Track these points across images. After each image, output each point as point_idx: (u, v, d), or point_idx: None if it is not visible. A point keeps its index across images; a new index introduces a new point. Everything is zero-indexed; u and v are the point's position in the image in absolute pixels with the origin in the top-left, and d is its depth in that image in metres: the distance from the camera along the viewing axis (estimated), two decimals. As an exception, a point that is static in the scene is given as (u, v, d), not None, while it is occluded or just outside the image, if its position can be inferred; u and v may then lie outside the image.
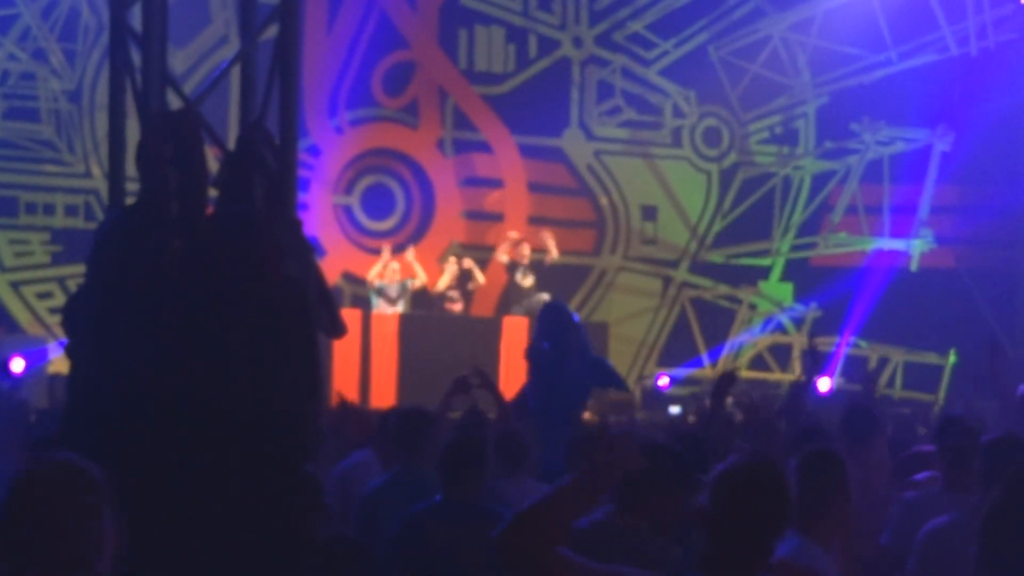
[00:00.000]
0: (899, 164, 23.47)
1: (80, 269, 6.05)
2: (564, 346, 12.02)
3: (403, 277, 21.50)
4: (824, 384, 17.78)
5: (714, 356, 23.44)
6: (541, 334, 12.41)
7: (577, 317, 13.52)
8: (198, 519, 5.49)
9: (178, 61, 21.15)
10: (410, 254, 21.88)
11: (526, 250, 21.96)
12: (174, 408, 5.48)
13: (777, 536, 4.42)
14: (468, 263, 21.96)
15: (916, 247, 22.80)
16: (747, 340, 23.63)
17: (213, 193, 6.04)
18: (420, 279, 21.68)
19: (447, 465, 7.02)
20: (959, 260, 23.01)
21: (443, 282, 21.68)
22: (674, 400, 20.59)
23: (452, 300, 21.39)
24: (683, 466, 5.81)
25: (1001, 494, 4.28)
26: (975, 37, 23.10)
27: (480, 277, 21.93)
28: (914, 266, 22.79)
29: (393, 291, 21.28)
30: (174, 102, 6.75)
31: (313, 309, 5.93)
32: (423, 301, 21.97)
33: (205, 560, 5.47)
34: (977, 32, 23.09)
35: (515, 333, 19.99)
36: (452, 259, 22.11)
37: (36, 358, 18.45)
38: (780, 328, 23.90)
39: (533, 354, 12.25)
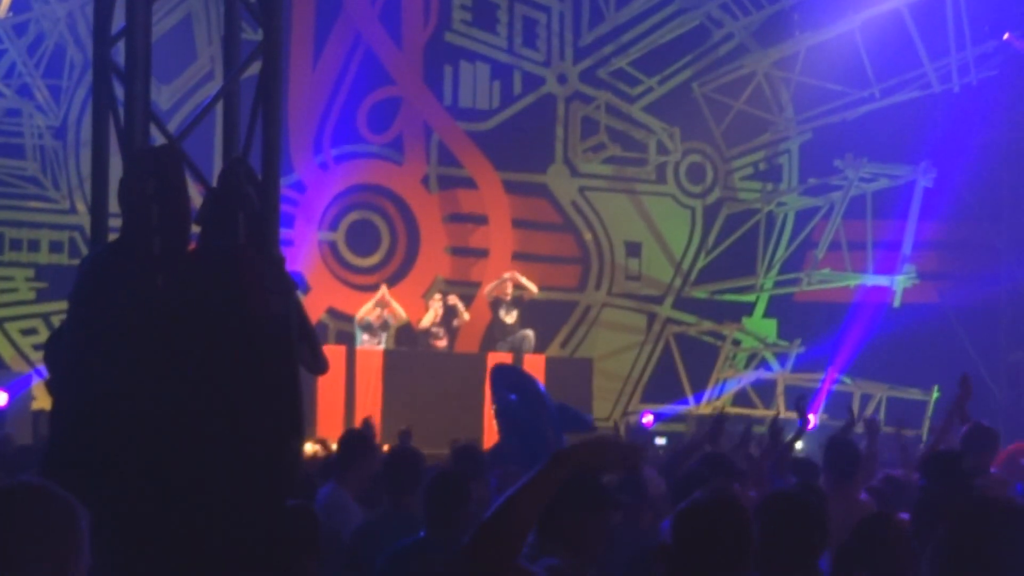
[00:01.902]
0: (882, 200, 23.54)
1: (65, 305, 6.04)
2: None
3: (388, 312, 21.56)
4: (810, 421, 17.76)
5: (699, 394, 23.43)
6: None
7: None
8: (182, 557, 5.47)
9: (163, 97, 21.19)
10: (383, 290, 21.86)
11: (509, 287, 22.01)
12: (156, 444, 5.47)
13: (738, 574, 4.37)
14: (453, 299, 21.97)
15: (899, 283, 22.83)
16: (734, 384, 23.63)
17: (196, 229, 6.03)
18: (400, 316, 21.71)
19: (431, 501, 7.02)
20: (942, 295, 23.05)
21: (428, 319, 21.69)
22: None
23: (437, 337, 21.41)
24: (600, 488, 5.78)
25: (951, 534, 4.21)
26: (957, 74, 23.20)
27: (465, 314, 21.93)
28: (897, 302, 22.81)
29: (377, 327, 21.30)
30: (158, 138, 6.76)
31: (295, 345, 5.92)
32: (408, 337, 21.98)
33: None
34: (959, 69, 23.19)
35: (500, 369, 20.01)
36: (437, 296, 22.12)
37: (20, 394, 18.40)
38: (766, 367, 23.92)
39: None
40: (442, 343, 21.42)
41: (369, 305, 21.59)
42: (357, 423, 18.47)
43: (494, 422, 12.85)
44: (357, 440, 8.61)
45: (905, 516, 6.84)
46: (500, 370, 13.31)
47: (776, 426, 10.80)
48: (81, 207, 21.48)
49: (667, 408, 22.30)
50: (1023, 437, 15.55)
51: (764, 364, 24.04)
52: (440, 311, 21.76)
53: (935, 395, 21.04)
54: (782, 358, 23.81)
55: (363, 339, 21.19)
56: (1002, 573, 4.06)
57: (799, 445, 12.60)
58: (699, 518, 4.38)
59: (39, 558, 3.44)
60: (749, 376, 23.65)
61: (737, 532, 4.37)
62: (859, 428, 12.83)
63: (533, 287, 22.15)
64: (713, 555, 4.32)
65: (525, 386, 12.24)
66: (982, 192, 22.80)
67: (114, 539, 5.24)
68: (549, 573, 4.88)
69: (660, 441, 19.95)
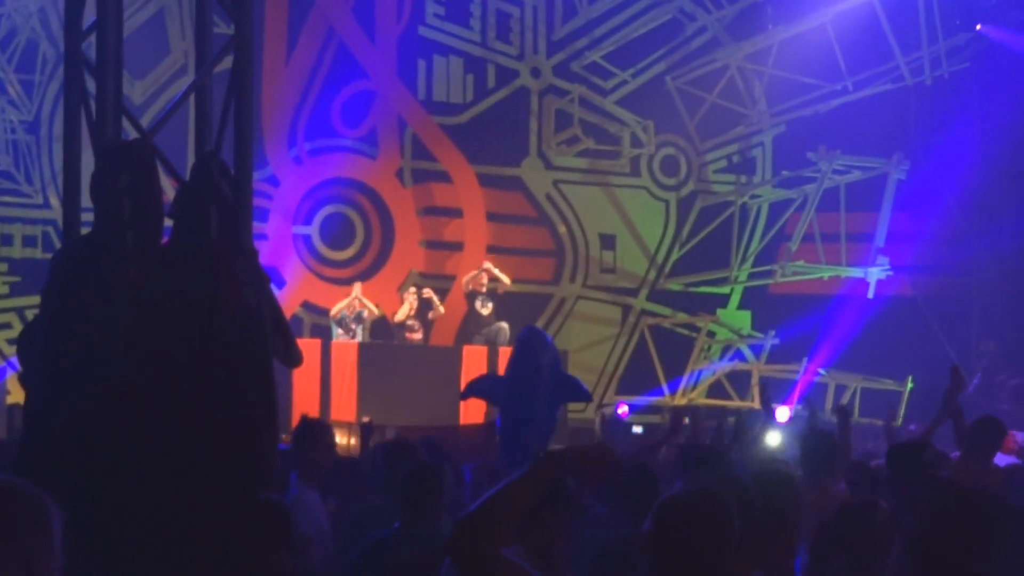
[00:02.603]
0: (855, 193, 23.56)
1: (38, 300, 6.03)
2: (534, 367, 12.08)
3: (361, 307, 21.56)
4: (783, 414, 17.81)
5: (673, 384, 23.45)
6: (533, 353, 12.47)
7: (551, 339, 13.61)
8: (156, 549, 5.46)
9: (137, 92, 21.14)
10: (357, 289, 21.84)
11: (484, 279, 22.02)
12: (129, 437, 5.46)
13: (719, 566, 4.37)
14: (428, 292, 21.96)
15: (873, 275, 22.88)
16: (708, 372, 23.65)
17: (168, 223, 6.03)
18: (374, 311, 21.70)
19: (405, 493, 7.01)
20: (915, 287, 23.11)
21: (403, 312, 21.68)
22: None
23: (412, 330, 21.40)
24: (562, 491, 5.80)
25: (923, 519, 4.21)
26: (929, 66, 23.25)
27: (440, 307, 21.92)
28: (870, 293, 22.87)
29: (352, 322, 21.29)
30: (130, 132, 6.75)
31: (269, 338, 5.92)
32: (383, 331, 21.96)
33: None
34: (931, 61, 23.25)
35: (475, 362, 20.01)
36: (412, 289, 22.11)
37: (-6, 389, 18.35)
38: (740, 357, 23.94)
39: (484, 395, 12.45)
40: (417, 336, 21.41)
41: (343, 303, 21.57)
42: (333, 416, 18.49)
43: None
44: (308, 430, 8.53)
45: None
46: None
47: (742, 421, 10.82)
48: (54, 201, 21.41)
49: (642, 399, 22.28)
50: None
51: (738, 354, 24.05)
52: (415, 304, 21.75)
53: (909, 386, 21.10)
54: (756, 349, 23.84)
55: (337, 334, 21.19)
56: (970, 565, 4.08)
57: (775, 438, 12.58)
58: (680, 508, 4.39)
59: (6, 557, 3.40)
60: (720, 364, 23.66)
61: (718, 523, 4.37)
62: (830, 416, 12.88)
63: (506, 279, 22.14)
64: (693, 545, 4.32)
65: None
66: (954, 184, 22.84)
67: (87, 533, 5.24)
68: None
69: (637, 430, 19.98)
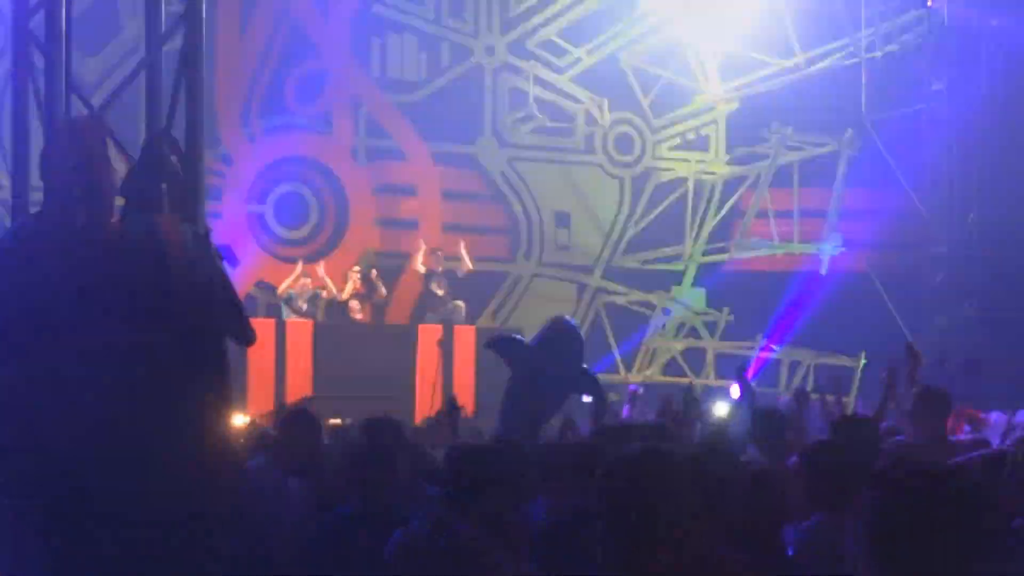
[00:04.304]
0: (808, 169, 23.62)
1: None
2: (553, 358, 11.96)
3: (314, 286, 21.47)
4: (735, 391, 17.79)
5: (629, 361, 23.48)
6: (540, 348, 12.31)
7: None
8: (107, 534, 5.39)
9: (89, 69, 20.92)
10: (321, 269, 21.77)
11: (441, 259, 21.93)
12: (80, 418, 5.39)
13: (673, 530, 4.19)
14: (373, 274, 21.89)
15: (826, 251, 22.92)
16: (648, 335, 23.66)
17: (119, 202, 5.95)
18: (331, 291, 21.61)
19: (356, 472, 6.94)
20: (869, 263, 23.16)
21: (347, 291, 21.61)
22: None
23: (355, 310, 21.35)
24: (515, 468, 5.74)
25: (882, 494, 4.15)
26: (881, 42, 23.26)
27: (382, 288, 21.85)
28: (823, 270, 22.90)
29: (302, 301, 21.18)
30: (81, 110, 6.66)
31: (221, 317, 5.85)
32: (337, 311, 21.86)
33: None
34: (883, 37, 23.26)
35: (430, 341, 19.97)
36: (356, 268, 22.01)
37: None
38: (696, 335, 23.99)
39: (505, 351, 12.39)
40: (359, 316, 21.36)
41: (288, 281, 21.46)
42: (289, 397, 18.38)
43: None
44: (295, 419, 8.41)
45: None
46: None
47: (692, 395, 10.76)
48: (4, 180, 21.19)
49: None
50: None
51: (693, 332, 24.10)
52: (359, 283, 21.69)
53: (862, 361, 21.14)
54: (711, 326, 23.88)
55: (288, 314, 21.07)
56: (926, 540, 4.04)
57: (722, 410, 12.48)
58: (629, 466, 4.25)
59: None
60: (658, 322, 23.72)
61: (669, 483, 4.21)
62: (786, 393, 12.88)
63: (468, 261, 22.03)
64: (643, 504, 4.16)
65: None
66: (907, 159, 22.88)
67: (36, 516, 5.17)
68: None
69: (587, 399, 19.93)
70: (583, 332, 23.79)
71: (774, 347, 22.48)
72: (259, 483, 8.05)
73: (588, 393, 12.53)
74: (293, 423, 8.22)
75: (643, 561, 4.14)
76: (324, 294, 21.52)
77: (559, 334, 12.39)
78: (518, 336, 13.98)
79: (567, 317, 13.60)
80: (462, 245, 22.23)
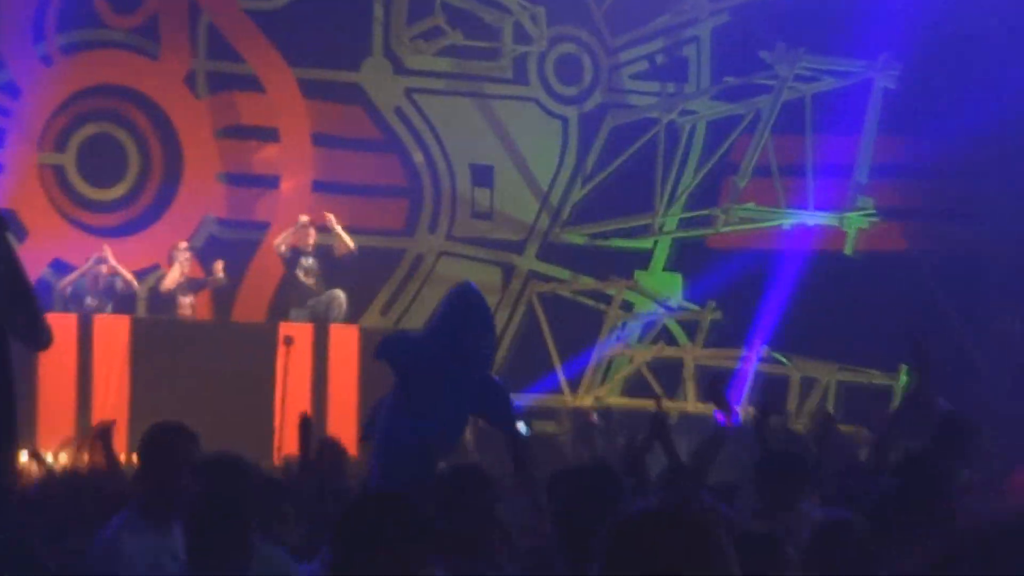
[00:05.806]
0: (826, 107, 23.65)
1: None
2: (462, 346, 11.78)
3: (108, 273, 21.32)
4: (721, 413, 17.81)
5: (573, 376, 23.45)
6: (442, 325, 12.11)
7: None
8: None
9: None
10: (106, 252, 21.55)
11: (311, 236, 21.79)
12: None
13: None
14: (217, 266, 21.84)
15: (851, 222, 22.95)
16: (608, 351, 23.69)
17: None
18: (131, 281, 21.46)
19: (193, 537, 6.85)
20: (911, 239, 23.26)
21: (171, 278, 21.47)
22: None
23: (182, 306, 21.28)
24: (418, 518, 5.75)
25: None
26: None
27: (220, 272, 21.74)
28: (849, 249, 22.94)
29: (98, 293, 21.06)
30: None
31: (2, 311, 5.75)
32: (162, 304, 21.76)
33: None
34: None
35: (297, 343, 19.78)
36: (183, 245, 21.84)
37: None
38: (669, 340, 24.03)
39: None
40: (187, 312, 21.33)
41: (78, 272, 21.38)
42: (95, 419, 18.21)
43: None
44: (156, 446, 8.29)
45: None
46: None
47: (659, 421, 10.53)
48: None
49: (529, 395, 22.16)
50: (1018, 428, 15.72)
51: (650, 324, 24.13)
52: (187, 267, 21.59)
53: (903, 379, 21.17)
54: (691, 328, 23.90)
55: (87, 303, 20.97)
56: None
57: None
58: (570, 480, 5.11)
59: None
60: (623, 335, 23.77)
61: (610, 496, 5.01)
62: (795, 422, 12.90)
63: (349, 240, 21.90)
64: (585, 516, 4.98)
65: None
66: (963, 95, 22.98)
67: None
68: None
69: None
70: (509, 333, 24.04)
71: (779, 358, 22.51)
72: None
73: (501, 417, 12.35)
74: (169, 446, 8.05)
75: None
76: (120, 285, 21.35)
77: (462, 307, 12.12)
78: (409, 332, 13.79)
79: (471, 284, 13.46)
80: (336, 215, 22.13)
